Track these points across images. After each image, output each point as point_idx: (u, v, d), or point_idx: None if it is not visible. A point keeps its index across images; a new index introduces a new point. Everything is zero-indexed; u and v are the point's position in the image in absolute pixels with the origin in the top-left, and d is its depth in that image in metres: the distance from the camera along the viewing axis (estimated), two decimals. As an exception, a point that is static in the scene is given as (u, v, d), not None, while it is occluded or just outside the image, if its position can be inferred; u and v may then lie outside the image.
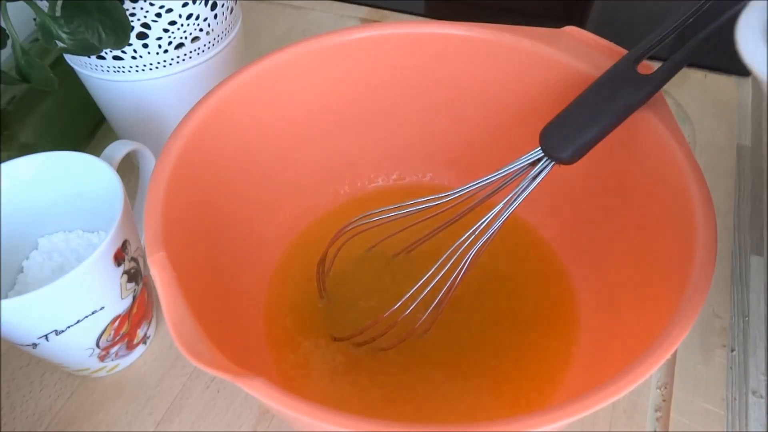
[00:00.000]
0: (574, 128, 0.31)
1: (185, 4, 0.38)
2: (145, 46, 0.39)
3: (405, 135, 0.42)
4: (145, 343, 0.39)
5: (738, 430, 0.35)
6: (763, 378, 0.37)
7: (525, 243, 0.40)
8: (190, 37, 0.40)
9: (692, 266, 0.26)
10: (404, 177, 0.44)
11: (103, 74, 0.41)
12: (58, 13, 0.33)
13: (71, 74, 0.44)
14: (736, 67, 0.57)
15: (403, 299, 0.33)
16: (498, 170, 0.33)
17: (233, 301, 0.35)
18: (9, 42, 0.34)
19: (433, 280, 0.33)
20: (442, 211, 0.35)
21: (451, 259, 0.33)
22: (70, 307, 0.32)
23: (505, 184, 0.34)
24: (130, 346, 0.37)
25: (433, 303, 0.34)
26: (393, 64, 0.39)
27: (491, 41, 0.36)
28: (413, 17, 0.65)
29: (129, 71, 0.40)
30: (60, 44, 0.34)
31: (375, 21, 0.64)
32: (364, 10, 0.65)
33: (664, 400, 0.36)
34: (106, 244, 0.31)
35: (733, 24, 0.27)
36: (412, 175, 0.44)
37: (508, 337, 0.36)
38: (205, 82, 0.42)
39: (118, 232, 0.32)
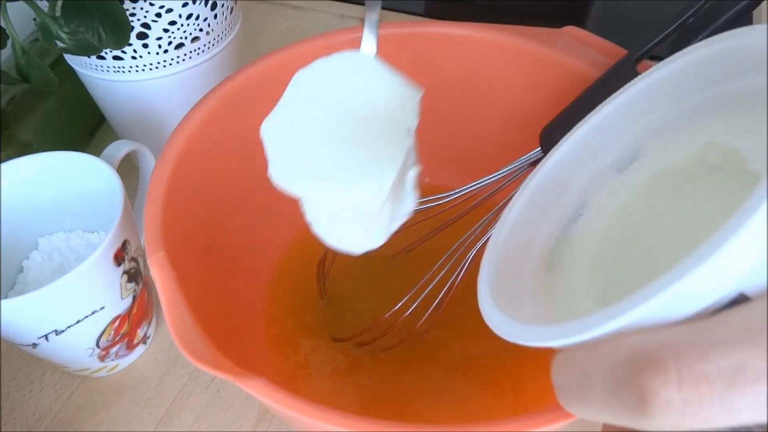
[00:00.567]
0: (573, 128, 0.31)
1: (185, 4, 0.38)
2: (145, 46, 0.39)
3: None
4: (145, 343, 0.39)
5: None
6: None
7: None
8: (190, 37, 0.40)
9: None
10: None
11: (103, 74, 0.41)
12: (58, 13, 0.33)
13: (71, 74, 0.44)
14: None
15: (404, 300, 0.33)
16: (498, 170, 0.33)
17: (233, 301, 0.35)
18: (9, 42, 0.34)
19: (433, 280, 0.33)
20: (442, 212, 0.35)
21: (451, 259, 0.33)
22: (70, 307, 0.32)
23: (505, 184, 0.34)
24: (130, 346, 0.37)
25: (433, 303, 0.34)
26: (393, 64, 0.38)
27: (491, 41, 0.36)
28: (413, 17, 0.65)
29: (129, 71, 0.40)
30: (60, 44, 0.34)
31: (375, 21, 0.64)
32: (364, 10, 0.65)
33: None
34: (106, 244, 0.31)
35: (733, 24, 0.27)
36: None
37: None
38: (205, 82, 0.42)
39: (118, 232, 0.32)
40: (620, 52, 0.33)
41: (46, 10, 0.33)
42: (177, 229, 0.29)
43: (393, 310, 0.34)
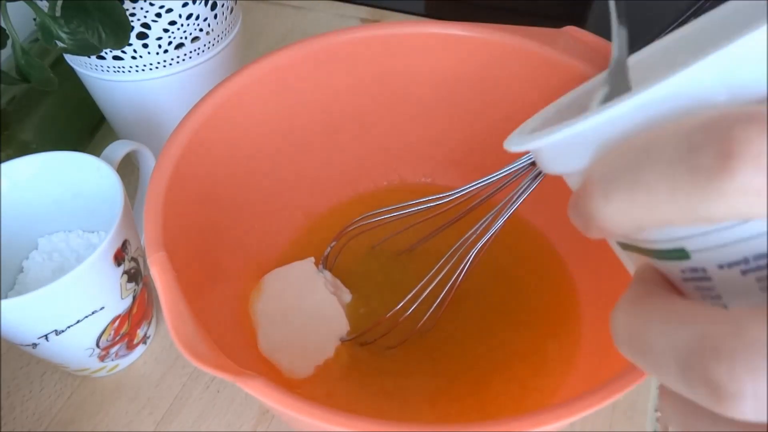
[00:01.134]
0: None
1: (185, 4, 0.38)
2: (145, 46, 0.39)
3: (405, 135, 0.42)
4: (145, 343, 0.39)
5: (738, 430, 0.35)
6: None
7: (527, 241, 0.40)
8: (190, 37, 0.40)
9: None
10: (405, 177, 0.44)
11: (103, 74, 0.41)
12: (58, 13, 0.33)
13: (71, 74, 0.43)
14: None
15: (406, 299, 0.33)
16: (498, 170, 0.33)
17: (233, 301, 0.35)
18: (9, 42, 0.34)
19: (434, 279, 0.33)
20: (443, 211, 0.35)
21: (452, 258, 0.33)
22: (70, 307, 0.32)
23: (505, 184, 0.34)
24: (130, 346, 0.37)
25: (435, 302, 0.34)
26: (393, 64, 0.38)
27: (491, 41, 0.36)
28: (413, 17, 0.65)
29: (129, 71, 0.40)
30: (60, 44, 0.34)
31: (375, 21, 0.64)
32: (364, 10, 0.65)
33: (664, 400, 0.36)
34: (106, 244, 0.31)
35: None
36: (412, 175, 0.44)
37: (512, 335, 0.36)
38: (205, 82, 0.42)
39: (118, 232, 0.32)
40: (620, 52, 0.33)
41: (46, 10, 0.33)
42: (177, 229, 0.29)
43: (395, 309, 0.34)
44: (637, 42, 0.31)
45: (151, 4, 0.37)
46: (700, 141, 0.11)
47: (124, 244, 0.33)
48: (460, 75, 0.39)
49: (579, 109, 0.22)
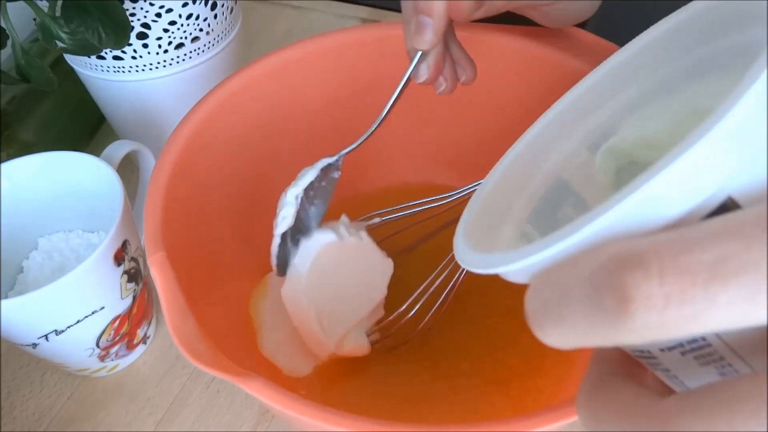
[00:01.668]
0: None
1: (185, 4, 0.38)
2: (145, 46, 0.39)
3: (404, 134, 0.42)
4: (145, 343, 0.39)
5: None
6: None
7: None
8: (190, 37, 0.40)
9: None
10: (404, 177, 0.44)
11: (103, 74, 0.41)
12: (58, 13, 0.33)
13: (71, 74, 0.44)
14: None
15: (408, 302, 0.34)
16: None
17: (233, 301, 0.35)
18: (9, 42, 0.34)
19: (437, 280, 0.33)
20: (444, 211, 0.35)
21: (452, 260, 0.33)
22: (70, 307, 0.32)
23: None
24: (130, 346, 0.37)
25: (435, 304, 0.34)
26: (393, 64, 0.38)
27: (491, 41, 0.36)
28: (413, 17, 0.65)
29: (129, 71, 0.40)
30: (60, 44, 0.34)
31: (375, 21, 0.64)
32: (364, 10, 0.65)
33: (664, 400, 0.36)
34: (106, 244, 0.31)
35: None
36: (411, 174, 0.44)
37: (513, 335, 0.36)
38: (205, 82, 0.42)
39: (118, 232, 0.32)
40: (620, 52, 0.33)
41: (46, 10, 0.33)
42: (177, 229, 0.29)
43: (397, 312, 0.34)
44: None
45: (151, 4, 0.37)
46: (601, 284, 0.12)
47: (124, 244, 0.33)
48: (460, 75, 0.38)
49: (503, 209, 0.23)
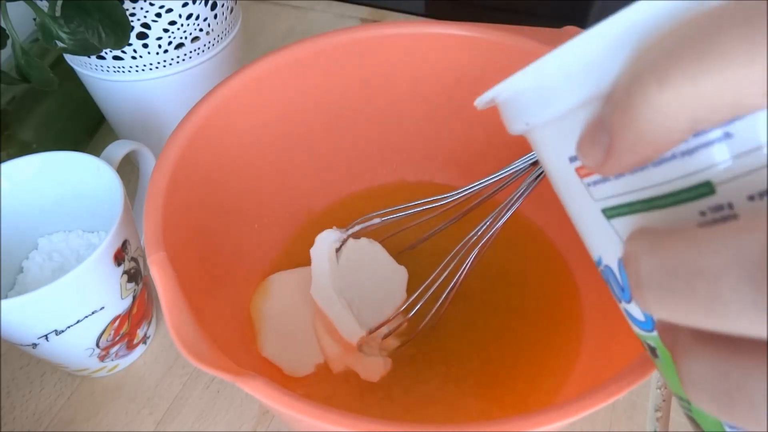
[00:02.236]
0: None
1: (185, 4, 0.38)
2: (145, 46, 0.39)
3: (405, 135, 0.42)
4: (145, 343, 0.39)
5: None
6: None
7: (528, 239, 0.40)
8: (190, 37, 0.40)
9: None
10: (404, 175, 0.44)
11: (103, 74, 0.41)
12: (58, 13, 0.33)
13: (71, 74, 0.43)
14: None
15: (411, 299, 0.34)
16: (499, 170, 0.33)
17: (234, 300, 0.35)
18: (9, 42, 0.34)
19: (438, 279, 0.33)
20: (444, 211, 0.35)
21: (454, 260, 0.33)
22: (70, 307, 0.32)
23: (506, 184, 0.34)
24: (130, 346, 0.37)
25: (435, 305, 0.34)
26: (393, 64, 0.38)
27: (491, 41, 0.36)
28: (413, 17, 0.65)
29: (129, 71, 0.40)
30: (60, 44, 0.34)
31: (375, 21, 0.64)
32: (364, 10, 0.65)
33: (664, 400, 0.36)
34: (106, 244, 0.31)
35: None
36: (411, 173, 0.44)
37: (515, 335, 0.36)
38: (205, 82, 0.42)
39: (118, 232, 0.32)
40: (620, 52, 0.33)
41: (46, 10, 0.33)
42: (177, 229, 0.29)
43: (397, 311, 0.34)
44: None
45: (151, 4, 0.37)
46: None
47: (124, 244, 0.33)
48: (460, 75, 0.39)
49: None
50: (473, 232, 0.33)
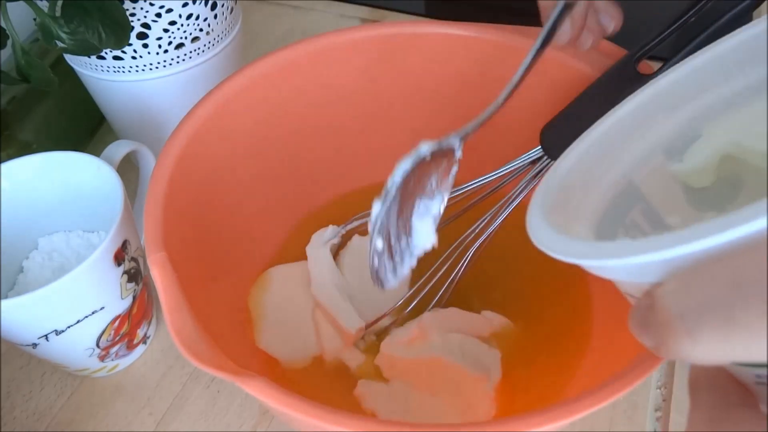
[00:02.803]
0: (573, 127, 0.31)
1: (185, 4, 0.38)
2: (145, 46, 0.39)
3: (406, 133, 0.42)
4: (145, 343, 0.39)
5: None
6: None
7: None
8: (190, 37, 0.40)
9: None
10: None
11: (103, 74, 0.41)
12: (58, 13, 0.33)
13: (71, 74, 0.43)
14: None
15: (408, 294, 0.34)
16: (499, 168, 0.33)
17: (233, 299, 0.35)
18: (9, 42, 0.34)
19: (436, 275, 0.33)
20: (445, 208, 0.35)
21: (451, 257, 0.33)
22: (70, 307, 0.32)
23: (505, 182, 0.34)
24: (130, 346, 0.37)
25: (433, 300, 0.34)
26: (393, 63, 0.39)
27: (491, 41, 0.36)
28: (413, 17, 0.65)
29: (129, 71, 0.40)
30: (60, 44, 0.34)
31: (375, 21, 0.64)
32: (364, 10, 0.65)
33: (664, 400, 0.36)
34: (106, 244, 0.31)
35: (734, 24, 0.27)
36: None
37: (518, 333, 0.36)
38: (205, 82, 0.42)
39: (118, 232, 0.32)
40: (620, 52, 0.33)
41: (46, 10, 0.33)
42: (177, 229, 0.29)
43: (396, 304, 0.34)
44: (638, 41, 0.31)
45: (151, 4, 0.37)
46: None
47: (124, 244, 0.33)
48: (460, 74, 0.39)
49: (592, 181, 0.21)
50: (470, 230, 0.33)
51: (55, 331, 0.32)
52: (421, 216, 0.25)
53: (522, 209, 0.33)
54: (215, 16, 0.41)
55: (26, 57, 0.34)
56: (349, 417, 0.21)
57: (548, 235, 0.17)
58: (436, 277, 0.33)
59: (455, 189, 0.34)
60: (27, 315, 0.31)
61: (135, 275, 0.35)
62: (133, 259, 0.34)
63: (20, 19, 0.36)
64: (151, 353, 0.39)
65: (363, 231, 0.38)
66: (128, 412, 0.36)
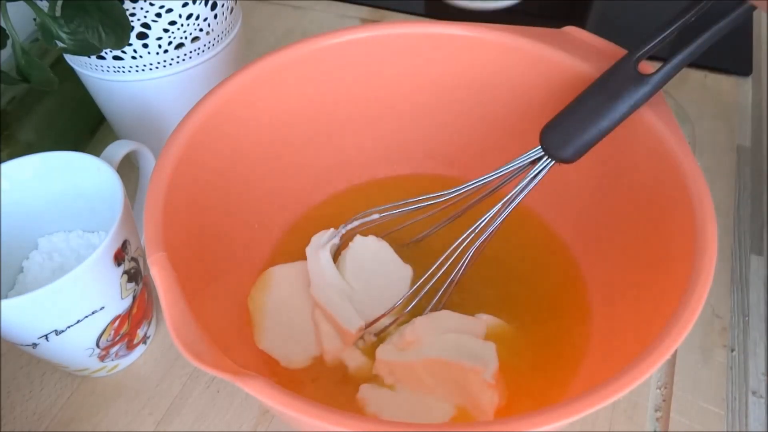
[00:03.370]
0: (573, 127, 0.31)
1: (185, 4, 0.38)
2: (145, 46, 0.39)
3: (406, 134, 0.42)
4: (145, 343, 0.39)
5: (738, 430, 0.35)
6: (763, 378, 0.37)
7: (537, 237, 0.40)
8: (190, 37, 0.40)
9: (692, 265, 0.26)
10: (404, 173, 0.44)
11: (103, 74, 0.41)
12: (58, 13, 0.33)
13: (71, 74, 0.44)
14: (736, 67, 0.57)
15: (407, 293, 0.34)
16: (499, 168, 0.33)
17: (233, 298, 0.35)
18: (9, 42, 0.34)
19: (436, 274, 0.33)
20: (443, 209, 0.35)
21: (451, 257, 0.33)
22: (70, 307, 0.32)
23: (505, 182, 0.34)
24: (130, 346, 0.37)
25: (433, 300, 0.34)
26: (393, 64, 0.39)
27: (491, 41, 0.36)
28: (413, 17, 0.65)
29: (129, 71, 0.40)
30: (60, 44, 0.34)
31: (375, 21, 0.64)
32: (364, 10, 0.65)
33: (664, 400, 0.36)
34: (106, 244, 0.31)
35: (735, 24, 0.27)
36: (411, 171, 0.44)
37: (518, 332, 0.36)
38: (205, 82, 0.42)
39: (118, 232, 0.32)
40: (620, 52, 0.33)
41: (46, 10, 0.33)
42: (177, 229, 0.29)
43: (396, 303, 0.34)
44: (637, 42, 0.31)
45: (151, 4, 0.37)
46: None
47: (124, 244, 0.33)
48: (460, 74, 0.39)
49: None
50: (473, 227, 0.33)
51: (55, 331, 0.32)
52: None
53: (520, 210, 0.33)
54: (215, 16, 0.41)
55: (26, 57, 0.34)
56: (350, 417, 0.21)
57: None
58: (436, 277, 0.34)
59: (455, 189, 0.34)
60: (27, 315, 0.31)
61: (135, 275, 0.35)
62: (133, 259, 0.34)
63: (20, 19, 0.36)
64: (151, 353, 0.39)
65: (363, 231, 0.38)
66: (128, 412, 0.36)
